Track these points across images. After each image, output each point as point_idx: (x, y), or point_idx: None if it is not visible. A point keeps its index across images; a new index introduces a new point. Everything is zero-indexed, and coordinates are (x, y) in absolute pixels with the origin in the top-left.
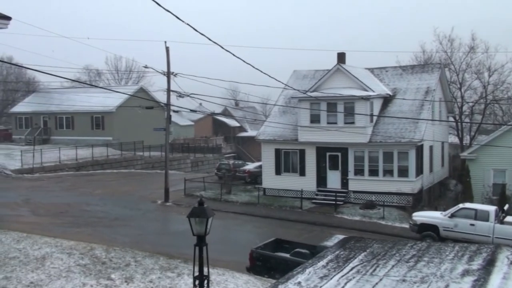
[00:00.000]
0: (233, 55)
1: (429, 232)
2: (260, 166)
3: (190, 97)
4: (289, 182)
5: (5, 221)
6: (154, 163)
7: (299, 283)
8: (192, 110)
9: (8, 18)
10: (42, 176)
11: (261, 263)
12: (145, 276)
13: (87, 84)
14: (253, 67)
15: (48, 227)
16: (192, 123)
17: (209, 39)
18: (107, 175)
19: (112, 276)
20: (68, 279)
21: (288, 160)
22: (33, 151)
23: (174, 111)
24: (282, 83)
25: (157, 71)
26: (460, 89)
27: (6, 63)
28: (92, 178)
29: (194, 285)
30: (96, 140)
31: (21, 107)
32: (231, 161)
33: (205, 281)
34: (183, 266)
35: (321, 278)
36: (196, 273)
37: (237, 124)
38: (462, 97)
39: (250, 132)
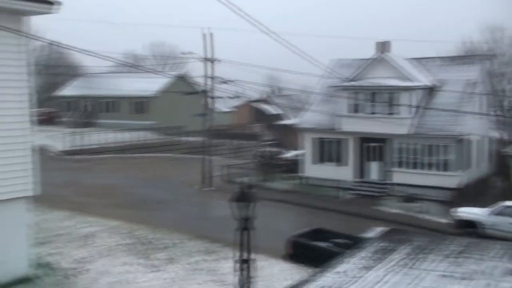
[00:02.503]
0: (283, 42)
1: (469, 228)
2: (299, 154)
3: (231, 83)
4: (329, 171)
5: (51, 200)
6: (194, 149)
7: (340, 272)
8: (232, 97)
9: (51, 3)
10: (86, 158)
11: (298, 252)
12: (188, 258)
13: (134, 66)
14: (298, 53)
15: (92, 207)
16: (232, 109)
17: (255, 24)
18: (149, 159)
19: (157, 256)
20: (112, 258)
21: (328, 149)
22: (78, 134)
23: (214, 97)
24: (325, 70)
25: (199, 58)
26: (504, 82)
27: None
28: (134, 161)
29: (238, 269)
30: (138, 125)
31: (67, 91)
32: (270, 149)
33: (247, 265)
34: (224, 250)
35: (363, 269)
36: (238, 257)
37: (277, 112)
38: (507, 90)
39: (290, 120)
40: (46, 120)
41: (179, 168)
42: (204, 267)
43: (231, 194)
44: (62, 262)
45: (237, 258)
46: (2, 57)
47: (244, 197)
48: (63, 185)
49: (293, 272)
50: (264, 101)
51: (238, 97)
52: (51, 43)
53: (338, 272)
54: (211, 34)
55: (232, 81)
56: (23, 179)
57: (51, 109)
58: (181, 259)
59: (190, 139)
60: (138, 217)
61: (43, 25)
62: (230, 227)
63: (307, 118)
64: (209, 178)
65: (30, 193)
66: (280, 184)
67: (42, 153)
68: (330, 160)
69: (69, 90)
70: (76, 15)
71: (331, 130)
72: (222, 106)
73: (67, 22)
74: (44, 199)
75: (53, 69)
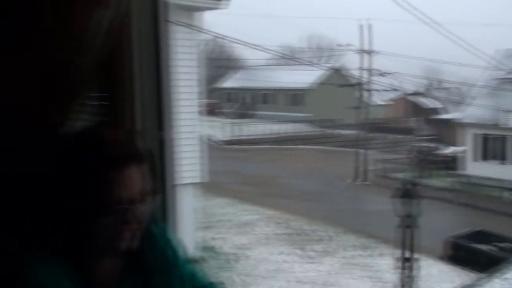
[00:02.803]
0: (444, 32)
1: None
2: (458, 151)
3: (387, 76)
4: (492, 170)
5: (212, 187)
6: (348, 142)
7: (510, 279)
8: (388, 90)
9: None
10: (245, 148)
11: (458, 254)
12: (343, 252)
13: (291, 58)
14: (460, 43)
15: (249, 196)
16: (387, 103)
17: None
18: (303, 150)
19: (312, 248)
20: (270, 246)
21: (492, 146)
22: (237, 125)
23: (370, 90)
24: (490, 62)
25: (355, 50)
26: None
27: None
28: (289, 153)
29: (399, 267)
30: (294, 117)
31: (228, 83)
32: (427, 144)
33: (408, 264)
34: (382, 246)
35: None
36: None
37: (434, 106)
38: None
39: (449, 115)
40: (209, 111)
41: (333, 161)
42: (360, 262)
43: (394, 190)
44: (224, 247)
45: (399, 255)
46: (180, 51)
47: (407, 193)
48: (223, 173)
49: (453, 275)
50: (422, 94)
51: (394, 90)
52: (219, 37)
53: (507, 279)
54: (368, 26)
55: (388, 73)
56: (192, 166)
57: (213, 100)
58: (337, 252)
59: (345, 132)
60: (293, 208)
61: (209, 19)
62: (386, 223)
63: (469, 113)
64: (363, 172)
65: (197, 180)
66: (437, 181)
67: (208, 142)
68: (494, 157)
69: (230, 82)
70: (237, 9)
71: (496, 125)
72: (378, 99)
73: (229, 16)
74: (206, 186)
75: (216, 62)
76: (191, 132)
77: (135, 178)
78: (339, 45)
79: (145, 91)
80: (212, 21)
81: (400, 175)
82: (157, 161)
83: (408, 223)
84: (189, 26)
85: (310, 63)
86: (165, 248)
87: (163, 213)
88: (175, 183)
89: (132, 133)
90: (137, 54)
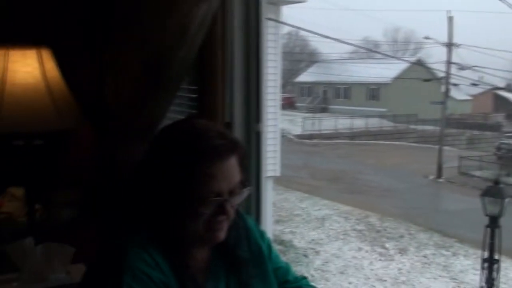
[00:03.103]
0: None
1: None
2: None
3: (471, 70)
4: None
5: (289, 181)
6: (426, 138)
7: None
8: (474, 84)
9: None
10: (319, 143)
11: None
12: (418, 250)
13: (371, 50)
14: None
15: (324, 190)
16: (470, 98)
17: None
18: (380, 146)
19: (386, 245)
20: (345, 242)
21: None
22: (313, 119)
23: (452, 84)
24: None
25: (437, 42)
26: None
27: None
28: (365, 148)
29: (483, 268)
30: (370, 111)
31: (303, 77)
32: None
33: (491, 265)
34: (458, 246)
35: None
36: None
37: None
38: None
39: None
40: (286, 104)
41: (409, 157)
42: (437, 261)
43: (484, 188)
44: (300, 241)
45: (480, 256)
46: (267, 46)
47: (496, 192)
48: (298, 167)
49: None
50: (508, 89)
51: (478, 84)
52: (300, 30)
53: None
54: (450, 18)
55: (473, 67)
56: (273, 160)
57: (288, 94)
58: (413, 250)
59: (423, 127)
60: (367, 204)
61: (289, 13)
62: (465, 223)
63: None
64: (442, 169)
65: (277, 174)
66: None
67: (282, 136)
68: None
69: (306, 76)
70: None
71: None
72: (460, 94)
73: (310, 10)
74: (280, 180)
75: (292, 55)
76: (273, 126)
77: (235, 170)
78: (426, 38)
79: (242, 84)
80: (291, 14)
81: (484, 173)
82: (254, 153)
83: (494, 223)
84: (275, 20)
85: (392, 57)
86: (260, 241)
87: (256, 205)
88: (267, 175)
89: (228, 125)
90: (235, 47)
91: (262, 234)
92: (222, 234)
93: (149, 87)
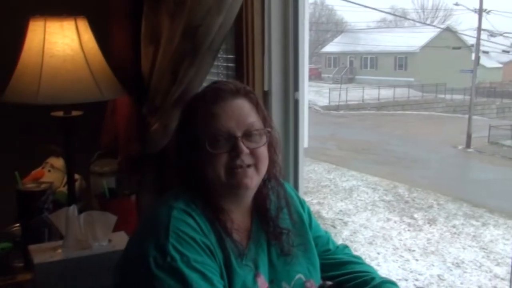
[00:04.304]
0: None
1: None
2: None
3: (503, 36)
4: None
5: (316, 152)
6: (455, 107)
7: None
8: (503, 51)
9: None
10: (346, 114)
11: None
12: (447, 221)
13: (400, 17)
14: None
15: (351, 161)
16: (501, 65)
17: None
18: (407, 116)
19: (415, 215)
20: (373, 212)
21: None
22: (339, 90)
23: (482, 52)
24: None
25: (467, 9)
26: None
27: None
28: (392, 118)
29: None
30: (397, 81)
31: (329, 47)
32: None
33: None
34: (488, 216)
35: None
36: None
37: None
38: None
39: None
40: (312, 75)
41: (437, 127)
42: (466, 231)
43: (493, 158)
44: (328, 211)
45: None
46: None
47: None
48: (325, 139)
49: None
50: None
51: (509, 51)
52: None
53: None
54: None
55: (504, 33)
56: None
57: (316, 65)
58: (441, 221)
59: (452, 97)
60: (395, 174)
61: None
62: (495, 193)
63: None
64: (471, 139)
65: (304, 145)
66: None
67: (309, 107)
68: None
69: (333, 46)
70: None
71: None
72: (490, 61)
73: None
74: (310, 151)
75: (318, 25)
76: (303, 96)
77: (245, 111)
78: (455, 4)
79: (281, 52)
80: None
81: None
82: (292, 122)
83: None
84: None
85: (421, 23)
86: (300, 209)
87: (294, 175)
88: (305, 145)
89: (266, 94)
90: (272, 14)
91: (302, 202)
92: (247, 181)
93: (187, 55)
